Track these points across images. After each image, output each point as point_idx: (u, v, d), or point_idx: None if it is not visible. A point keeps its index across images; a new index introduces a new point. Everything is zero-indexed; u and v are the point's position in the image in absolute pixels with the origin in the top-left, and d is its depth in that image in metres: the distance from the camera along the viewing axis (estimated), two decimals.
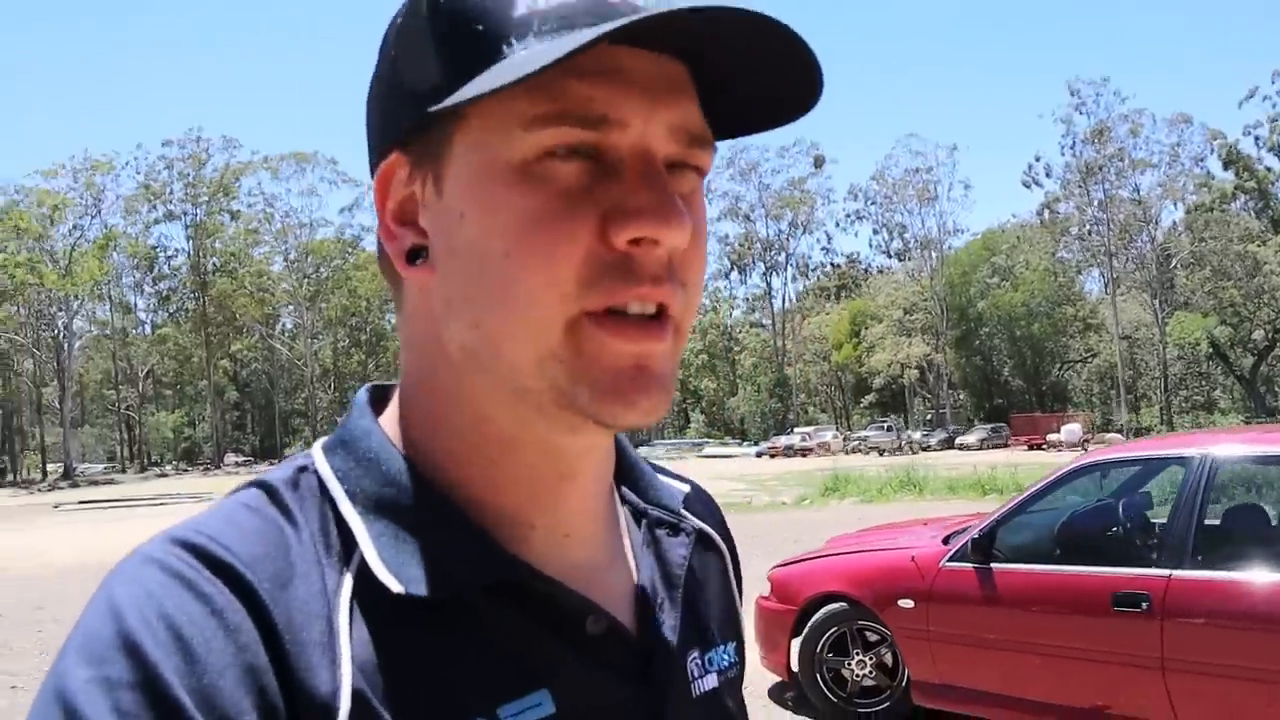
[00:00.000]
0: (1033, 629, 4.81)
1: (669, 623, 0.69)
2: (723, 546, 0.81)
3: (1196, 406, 60.43)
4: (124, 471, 68.29)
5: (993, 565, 4.99)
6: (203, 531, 0.56)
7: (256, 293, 72.39)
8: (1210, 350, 59.21)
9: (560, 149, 0.55)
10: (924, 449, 51.59)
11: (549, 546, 0.63)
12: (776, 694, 6.22)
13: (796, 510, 17.77)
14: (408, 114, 0.59)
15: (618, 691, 0.64)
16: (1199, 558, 4.33)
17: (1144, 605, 4.33)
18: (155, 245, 75.07)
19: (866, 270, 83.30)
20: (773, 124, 0.63)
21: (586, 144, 0.56)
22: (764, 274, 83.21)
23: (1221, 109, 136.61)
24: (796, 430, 63.80)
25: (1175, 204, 64.62)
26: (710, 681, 0.71)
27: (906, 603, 5.28)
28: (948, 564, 5.16)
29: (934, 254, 69.38)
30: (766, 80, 0.59)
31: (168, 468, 70.39)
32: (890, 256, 79.55)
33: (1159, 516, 5.07)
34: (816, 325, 76.99)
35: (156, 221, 74.15)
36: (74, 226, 67.56)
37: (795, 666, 5.82)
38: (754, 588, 6.26)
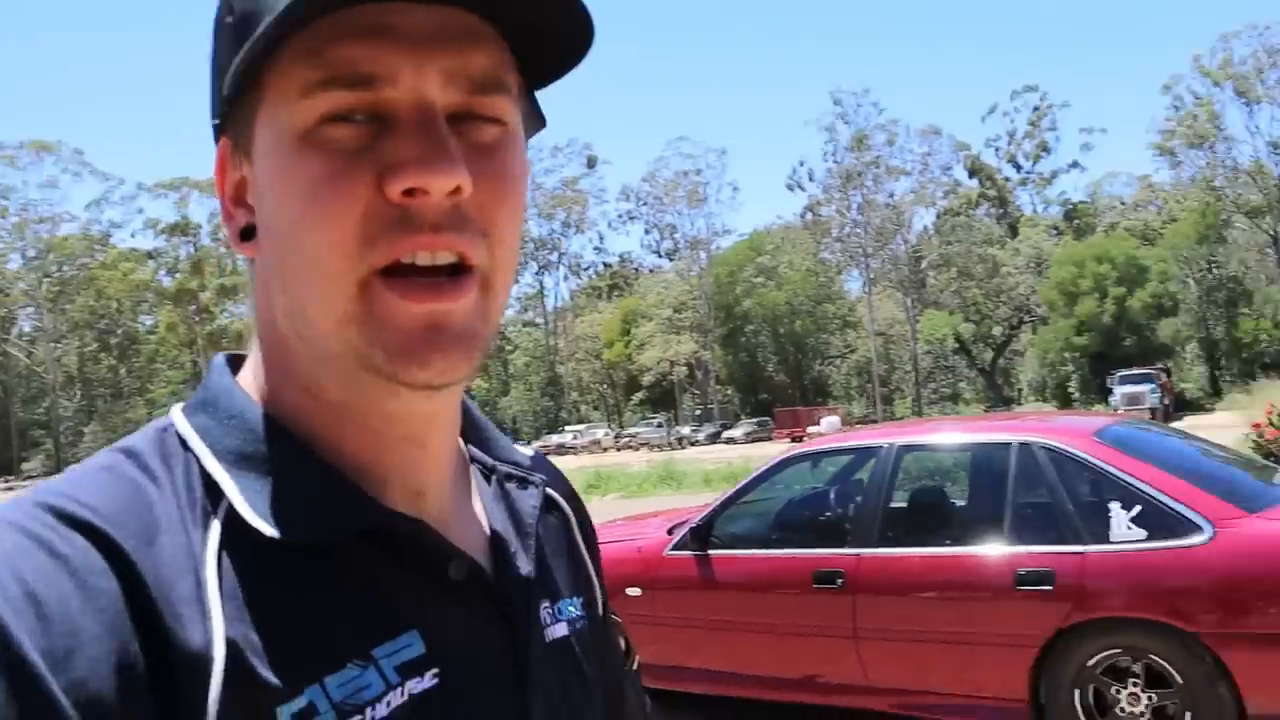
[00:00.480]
0: (746, 609, 5.15)
1: (523, 569, 0.72)
2: (567, 508, 0.84)
3: (944, 398, 64.80)
4: None
5: (710, 552, 5.31)
6: (63, 493, 0.56)
7: None
8: (956, 345, 63.74)
9: (335, 112, 0.56)
10: (693, 444, 53.07)
11: (403, 503, 0.64)
12: None
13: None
14: (221, 99, 0.61)
15: (481, 632, 0.66)
16: (886, 537, 4.79)
17: (839, 582, 4.75)
18: None
19: (637, 270, 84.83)
20: (559, 70, 0.64)
21: (362, 105, 0.57)
22: (537, 273, 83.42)
23: (967, 122, 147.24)
24: (568, 428, 64.38)
25: (926, 209, 69.38)
26: (560, 630, 0.74)
27: (634, 591, 5.52)
28: (670, 553, 5.44)
29: (703, 254, 71.44)
30: (546, 20, 0.60)
31: None
32: (661, 256, 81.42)
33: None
34: (588, 324, 77.80)
35: None
36: None
37: None
38: None
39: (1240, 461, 5.02)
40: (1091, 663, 4.12)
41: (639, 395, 73.73)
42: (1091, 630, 4.10)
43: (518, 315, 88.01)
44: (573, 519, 0.85)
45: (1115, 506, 4.12)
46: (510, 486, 0.76)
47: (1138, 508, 4.07)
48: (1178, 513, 3.99)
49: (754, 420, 57.81)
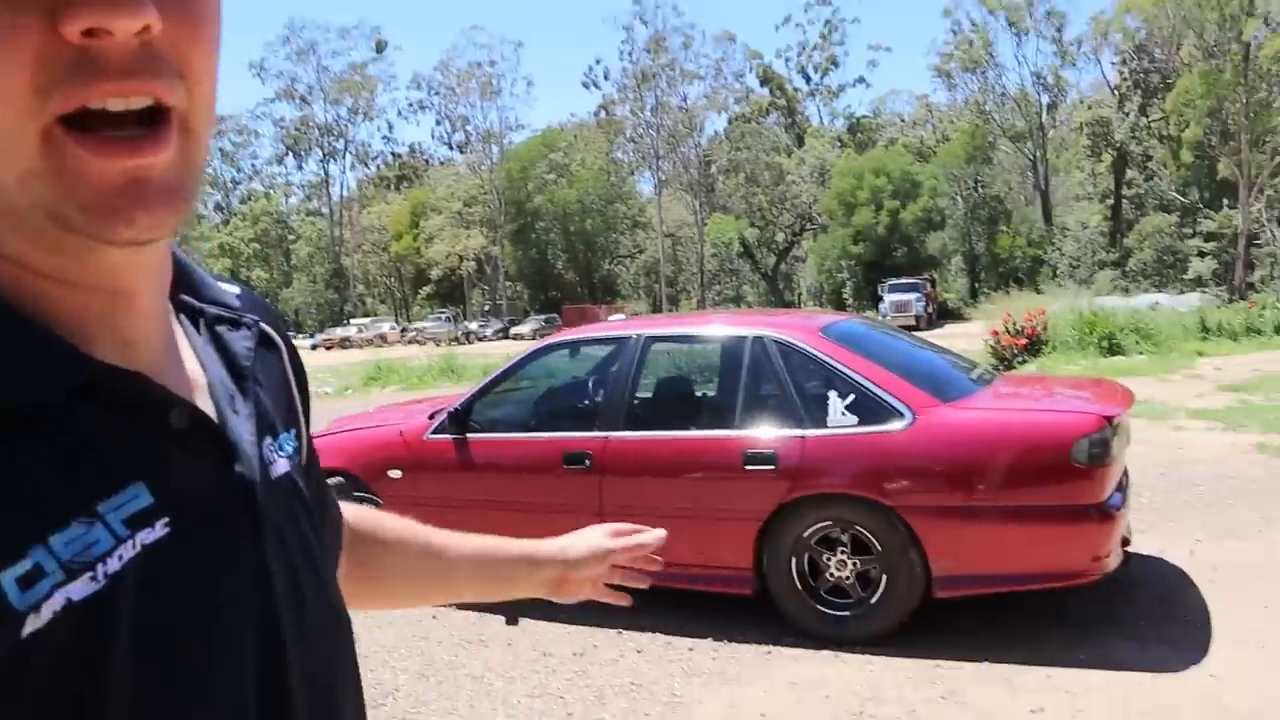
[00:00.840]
0: (502, 489, 5.36)
1: (243, 412, 0.71)
2: (280, 342, 0.83)
3: (728, 299, 66.69)
4: None
5: (468, 435, 5.49)
6: None
7: None
8: (741, 249, 65.60)
9: None
10: (481, 339, 52.89)
11: (113, 355, 0.61)
12: None
13: (338, 400, 17.76)
14: None
15: (210, 478, 0.65)
16: (631, 421, 5.08)
17: (586, 462, 5.03)
18: None
19: (428, 161, 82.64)
20: None
21: None
22: (322, 160, 79.94)
23: (762, 31, 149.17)
24: (353, 322, 62.83)
25: (718, 114, 70.44)
26: (283, 466, 0.74)
27: (395, 473, 5.64)
28: (430, 436, 5.58)
29: (495, 148, 70.30)
30: None
31: None
32: (452, 148, 79.56)
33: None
34: (376, 215, 75.48)
35: None
36: None
37: None
38: None
39: (949, 359, 5.57)
40: (807, 534, 4.57)
41: (427, 290, 72.56)
42: (807, 505, 4.54)
43: (301, 204, 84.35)
44: (284, 352, 0.84)
45: (833, 395, 4.55)
46: (222, 329, 0.75)
47: (851, 396, 4.51)
48: (884, 401, 4.45)
49: (542, 317, 58.05)
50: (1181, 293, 32.73)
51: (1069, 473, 4.12)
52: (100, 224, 0.55)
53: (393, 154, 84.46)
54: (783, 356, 4.76)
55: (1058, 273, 49.87)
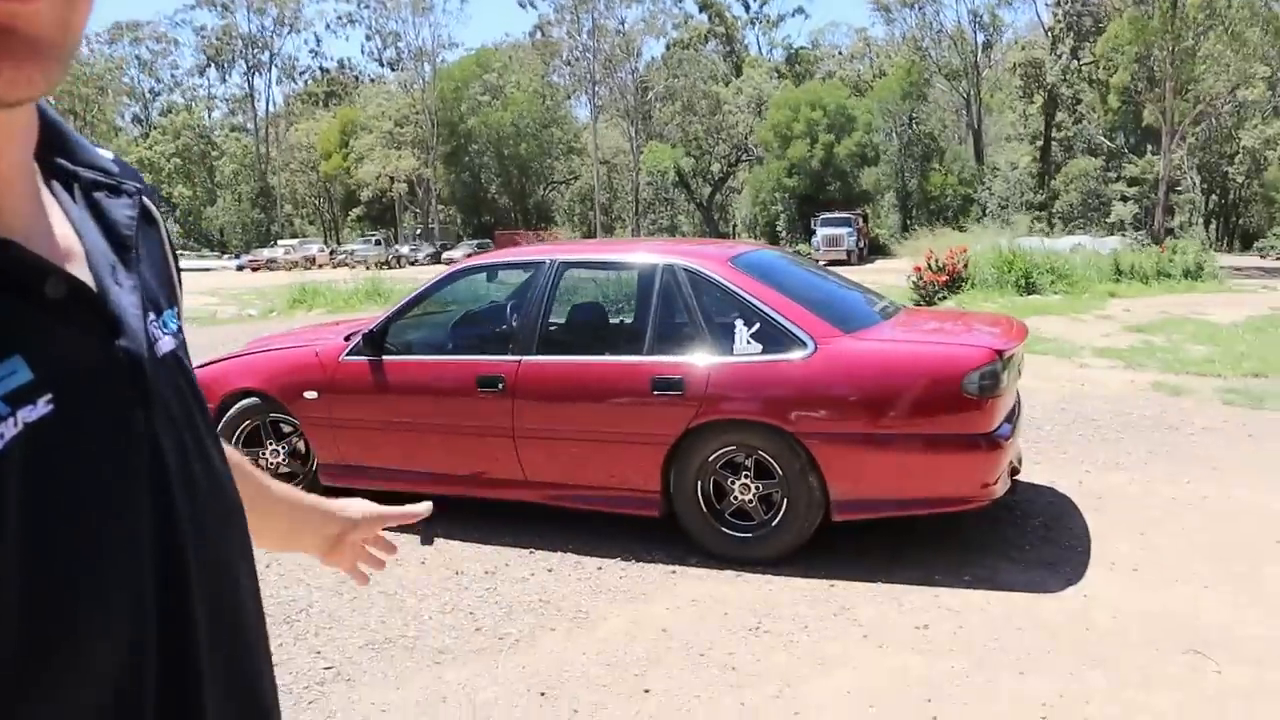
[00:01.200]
0: (417, 411, 5.41)
1: (126, 284, 0.67)
2: (158, 217, 0.79)
3: (662, 228, 66.52)
4: None
5: (384, 358, 5.52)
6: None
7: None
8: (676, 179, 65.30)
9: None
10: (412, 263, 52.21)
11: None
12: None
13: (262, 322, 17.55)
14: None
15: (94, 353, 0.62)
16: (543, 345, 5.15)
17: (500, 386, 5.10)
18: None
19: (358, 78, 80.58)
20: None
21: None
22: (246, 73, 77.55)
23: None
24: (280, 243, 61.55)
25: (656, 39, 69.59)
26: (168, 344, 0.71)
27: (311, 394, 5.66)
28: (346, 358, 5.59)
29: (427, 66, 68.72)
30: None
31: None
32: (383, 65, 77.68)
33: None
34: (304, 133, 73.57)
35: None
36: None
37: None
38: None
39: (856, 292, 5.71)
40: (712, 458, 4.71)
41: (357, 211, 71.20)
42: (713, 430, 4.67)
43: (225, 119, 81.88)
44: (162, 227, 0.80)
45: (739, 324, 4.66)
46: (100, 196, 0.71)
47: (757, 325, 4.63)
48: (788, 330, 4.57)
49: (475, 242, 57.37)
50: (1104, 236, 33.46)
51: (960, 403, 4.30)
52: None
53: (321, 69, 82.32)
54: (692, 285, 4.85)
55: (987, 211, 50.64)
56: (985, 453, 4.34)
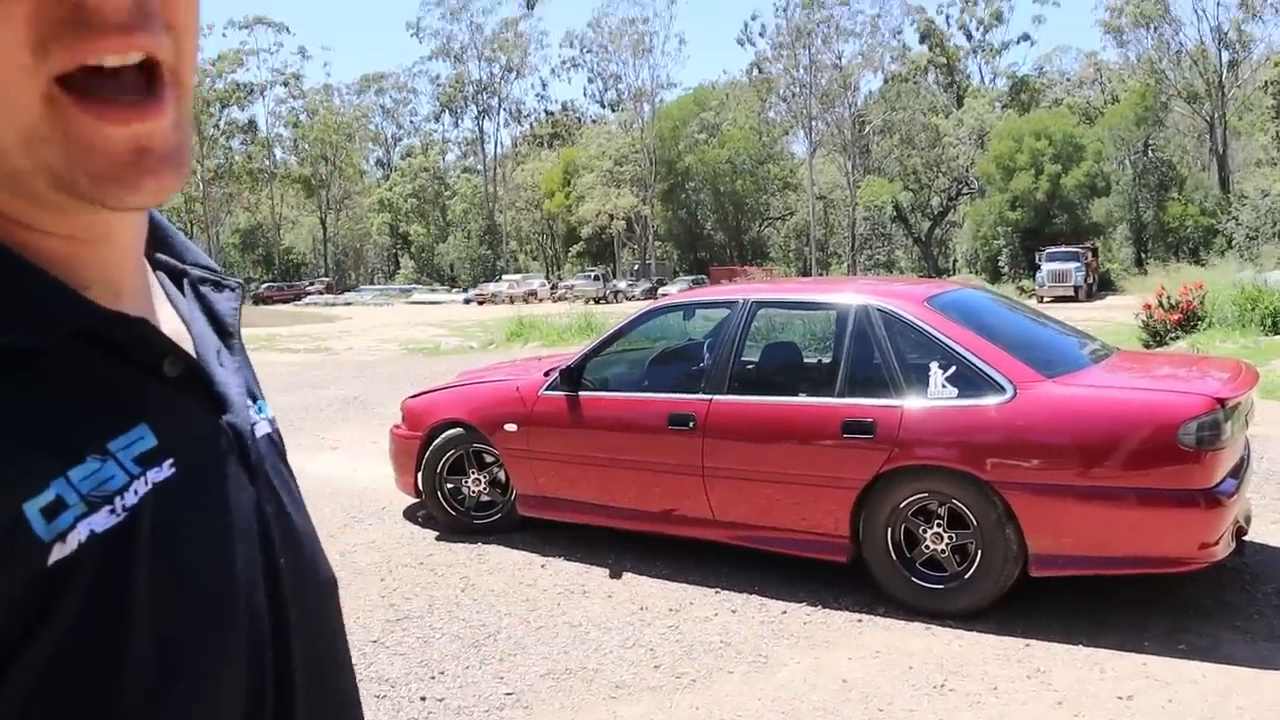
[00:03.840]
0: (610, 446, 5.52)
1: (229, 367, 0.73)
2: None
3: (879, 264, 65.33)
4: None
5: (580, 393, 5.65)
6: None
7: None
8: (894, 213, 64.07)
9: None
10: (629, 298, 53.30)
11: (105, 303, 0.62)
12: (411, 514, 6.72)
13: (482, 354, 18.33)
14: None
15: (204, 426, 0.67)
16: (734, 385, 5.15)
17: (690, 424, 5.12)
18: None
19: (580, 120, 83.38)
20: None
21: None
22: (476, 118, 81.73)
23: None
24: (505, 278, 64.22)
25: (874, 73, 68.64)
26: (265, 427, 0.75)
27: (511, 427, 5.87)
28: (545, 393, 5.77)
29: (646, 106, 70.33)
30: None
31: None
32: (604, 106, 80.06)
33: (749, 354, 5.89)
34: (529, 173, 76.70)
35: None
36: None
37: (421, 486, 6.34)
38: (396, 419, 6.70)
39: (1065, 332, 5.41)
40: (903, 504, 4.57)
41: (578, 248, 73.43)
42: (905, 476, 4.53)
43: (458, 161, 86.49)
44: (239, 335, 0.83)
45: (934, 366, 4.50)
46: (206, 290, 0.77)
47: (953, 368, 4.46)
48: (986, 374, 4.38)
49: (690, 278, 57.98)
50: None
51: (1175, 455, 3.99)
52: (110, 192, 0.57)
53: (546, 112, 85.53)
54: (885, 326, 4.73)
55: (1233, 244, 46.90)
56: (1204, 510, 4.00)
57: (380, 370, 16.72)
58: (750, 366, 5.46)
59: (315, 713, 0.73)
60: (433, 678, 4.17)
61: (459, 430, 6.16)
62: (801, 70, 66.52)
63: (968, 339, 4.53)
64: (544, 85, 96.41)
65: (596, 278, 60.44)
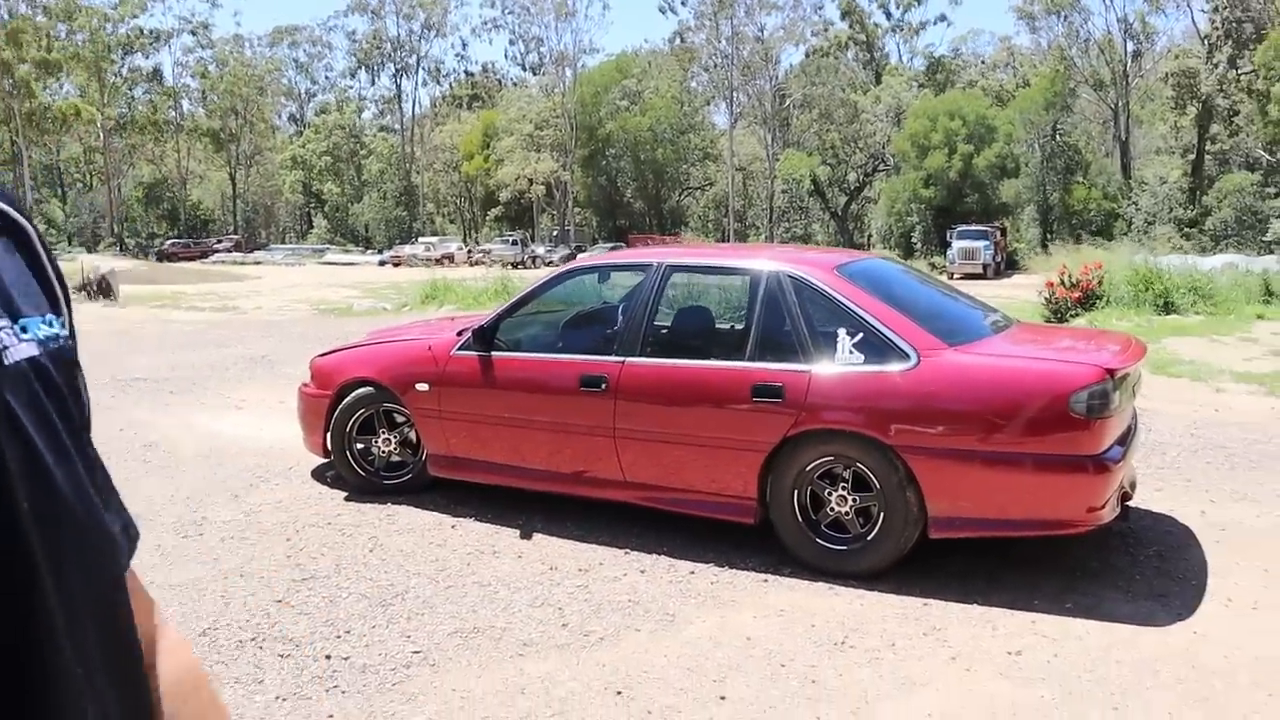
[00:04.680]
0: (522, 407, 5.51)
1: None
2: (23, 223, 0.76)
3: (796, 236, 65.70)
4: None
5: (493, 354, 5.63)
6: None
7: None
8: (812, 187, 64.59)
9: None
10: (547, 263, 52.89)
11: None
12: (319, 474, 6.64)
13: (395, 317, 18.09)
14: None
15: None
16: (646, 348, 5.18)
17: (603, 386, 5.15)
18: None
19: (500, 82, 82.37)
20: None
21: None
22: (394, 76, 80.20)
23: None
24: (421, 240, 63.37)
25: (795, 46, 68.94)
26: (25, 350, 0.68)
27: (423, 386, 5.82)
28: (457, 352, 5.73)
29: (568, 71, 69.71)
30: None
31: None
32: (525, 70, 79.24)
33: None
34: (448, 134, 75.58)
35: None
36: None
37: (330, 446, 6.26)
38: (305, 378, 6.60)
39: (968, 304, 5.56)
40: (810, 467, 4.66)
41: (496, 211, 72.70)
42: (812, 439, 4.62)
43: (374, 120, 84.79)
44: (33, 235, 0.77)
45: (842, 333, 4.60)
46: None
47: (860, 335, 4.56)
48: (891, 341, 4.49)
49: (608, 245, 57.82)
50: (1260, 255, 31.64)
51: (1067, 422, 4.15)
52: None
53: (466, 73, 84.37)
54: (797, 292, 4.81)
55: (1133, 227, 48.47)
56: (1092, 475, 4.17)
57: (290, 330, 16.42)
58: (664, 330, 5.50)
59: (82, 651, 0.67)
60: (339, 637, 4.14)
61: (369, 389, 6.09)
62: (724, 41, 66.60)
63: (874, 307, 4.63)
64: (464, 45, 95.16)
65: (514, 242, 59.91)
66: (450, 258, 55.09)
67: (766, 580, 4.65)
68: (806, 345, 4.69)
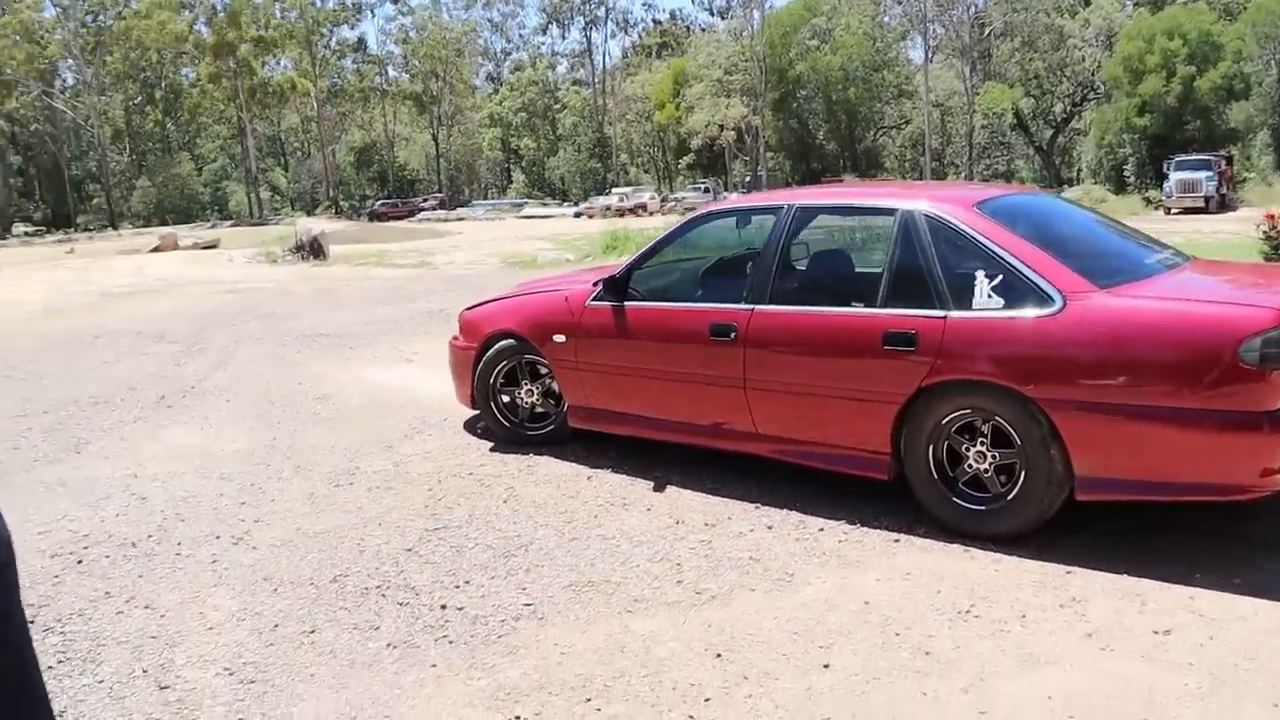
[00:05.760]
0: (654, 357, 5.38)
1: None
2: None
3: (998, 174, 62.88)
4: None
5: (626, 304, 5.51)
6: None
7: (23, 43, 64.20)
8: (1014, 121, 61.37)
9: None
10: None
11: None
12: (470, 425, 6.75)
13: (576, 266, 18.28)
14: None
15: None
16: (775, 294, 4.92)
17: (732, 335, 4.94)
18: None
19: (689, 29, 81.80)
20: None
21: None
22: (584, 29, 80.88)
23: None
24: (614, 191, 64.01)
25: None
26: None
27: (560, 338, 5.78)
28: (591, 303, 5.65)
29: (756, 13, 68.45)
30: None
31: None
32: (713, 14, 78.26)
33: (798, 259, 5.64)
34: (639, 84, 75.78)
35: None
36: None
37: (476, 398, 6.34)
38: None
39: (1130, 238, 5.02)
40: (946, 420, 4.32)
41: (688, 159, 72.65)
42: (948, 390, 4.27)
43: (567, 74, 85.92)
44: None
45: (980, 275, 4.21)
46: None
47: (999, 277, 4.15)
48: (1034, 283, 4.07)
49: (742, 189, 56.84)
50: None
51: (1237, 374, 3.64)
52: None
53: (654, 21, 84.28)
54: (932, 232, 4.43)
55: None
56: (1268, 434, 3.66)
57: (474, 284, 16.82)
58: (793, 275, 5.22)
59: None
60: (457, 587, 4.16)
61: (511, 341, 6.10)
62: None
63: (1016, 245, 4.20)
64: None
65: (706, 190, 59.73)
66: (643, 207, 55.45)
67: (898, 540, 4.36)
68: (943, 289, 4.32)
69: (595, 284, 5.74)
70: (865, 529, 4.51)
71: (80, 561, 4.68)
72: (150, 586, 4.34)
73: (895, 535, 4.41)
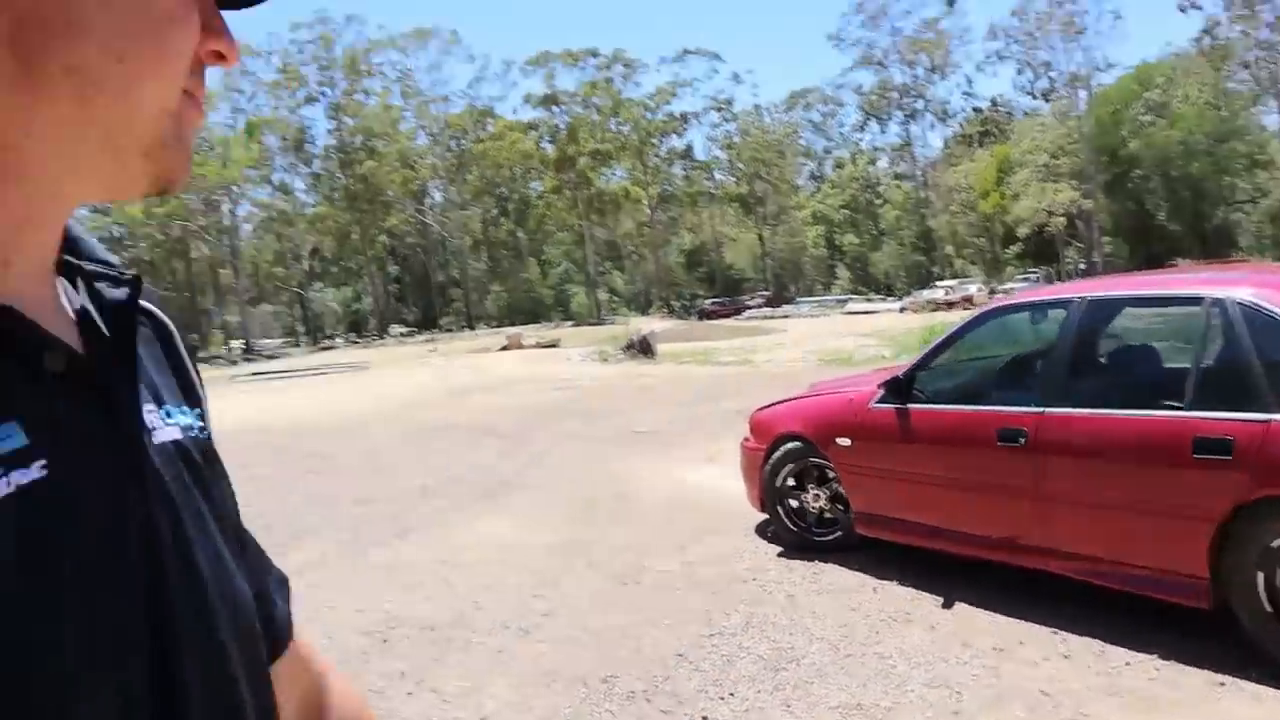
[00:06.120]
0: (937, 464, 5.08)
1: (124, 368, 0.68)
2: (168, 321, 0.81)
3: None
4: (298, 345, 70.67)
5: (909, 405, 5.26)
6: None
7: (400, 169, 73.11)
8: None
9: None
10: None
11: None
12: (762, 529, 6.66)
13: (891, 363, 17.85)
14: None
15: (87, 423, 0.62)
16: (1068, 395, 4.50)
17: (1021, 440, 4.56)
18: (301, 127, 74.82)
19: (1010, 114, 78.90)
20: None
21: None
22: (903, 122, 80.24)
23: None
24: (939, 284, 62.33)
25: None
26: (169, 434, 0.71)
27: (844, 440, 5.61)
28: (875, 405, 5.44)
29: (1082, 92, 65.09)
30: None
31: (337, 340, 72.68)
32: (1035, 97, 75.09)
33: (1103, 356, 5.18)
34: (961, 174, 73.90)
35: (298, 105, 74.61)
36: (231, 112, 69.87)
37: (764, 501, 6.25)
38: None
39: None
40: (1277, 544, 3.73)
41: (1015, 248, 69.60)
42: (1276, 509, 3.69)
43: (888, 169, 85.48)
44: (174, 332, 0.81)
45: None
46: (102, 286, 0.72)
47: None
48: None
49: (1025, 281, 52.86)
50: None
51: None
52: (181, 166, 0.65)
53: (974, 109, 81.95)
54: (1248, 321, 3.88)
55: None
56: None
57: (789, 381, 16.81)
58: (1090, 374, 4.75)
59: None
60: (722, 699, 4.05)
61: (798, 444, 5.98)
62: (1265, 29, 57.98)
63: None
64: (969, 82, 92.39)
65: (1037, 279, 56.76)
66: (969, 299, 53.48)
67: (1223, 684, 3.76)
68: (1263, 388, 3.77)
69: (879, 385, 5.54)
70: (1181, 667, 3.94)
71: (385, 641, 5.02)
72: (441, 671, 4.57)
73: (1220, 678, 3.81)
